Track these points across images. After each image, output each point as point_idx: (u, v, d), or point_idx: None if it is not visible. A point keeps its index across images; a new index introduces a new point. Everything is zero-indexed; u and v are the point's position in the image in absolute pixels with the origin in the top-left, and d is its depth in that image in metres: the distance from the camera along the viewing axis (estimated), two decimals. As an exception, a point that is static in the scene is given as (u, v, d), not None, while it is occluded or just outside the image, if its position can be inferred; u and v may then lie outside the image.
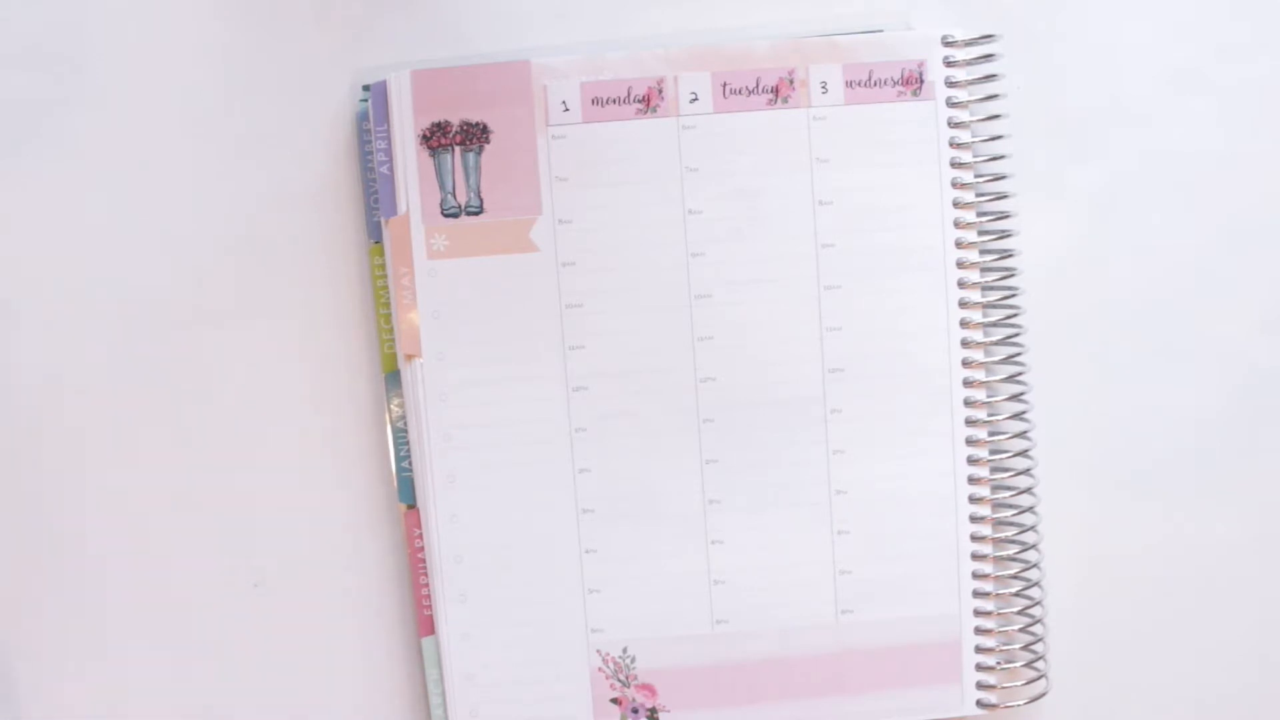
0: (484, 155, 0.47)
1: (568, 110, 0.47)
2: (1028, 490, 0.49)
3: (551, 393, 0.48)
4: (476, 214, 0.48)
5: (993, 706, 0.49)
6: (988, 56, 0.48)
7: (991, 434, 0.48)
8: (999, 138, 0.48)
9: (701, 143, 0.47)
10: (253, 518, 0.49)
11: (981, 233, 0.48)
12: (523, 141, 0.47)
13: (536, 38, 0.49)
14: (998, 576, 0.49)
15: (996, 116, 0.48)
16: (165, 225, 0.48)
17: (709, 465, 0.48)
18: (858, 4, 0.49)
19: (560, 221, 0.48)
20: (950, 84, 0.47)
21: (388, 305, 0.48)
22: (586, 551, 0.48)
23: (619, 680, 0.49)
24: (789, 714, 0.49)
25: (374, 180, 0.48)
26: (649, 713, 0.49)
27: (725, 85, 0.47)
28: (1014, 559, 0.49)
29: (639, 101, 0.47)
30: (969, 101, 0.48)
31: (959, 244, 0.48)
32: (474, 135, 0.47)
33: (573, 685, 0.49)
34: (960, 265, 0.48)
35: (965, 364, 0.48)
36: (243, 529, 0.49)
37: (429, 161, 0.47)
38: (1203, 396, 0.50)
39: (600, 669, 0.49)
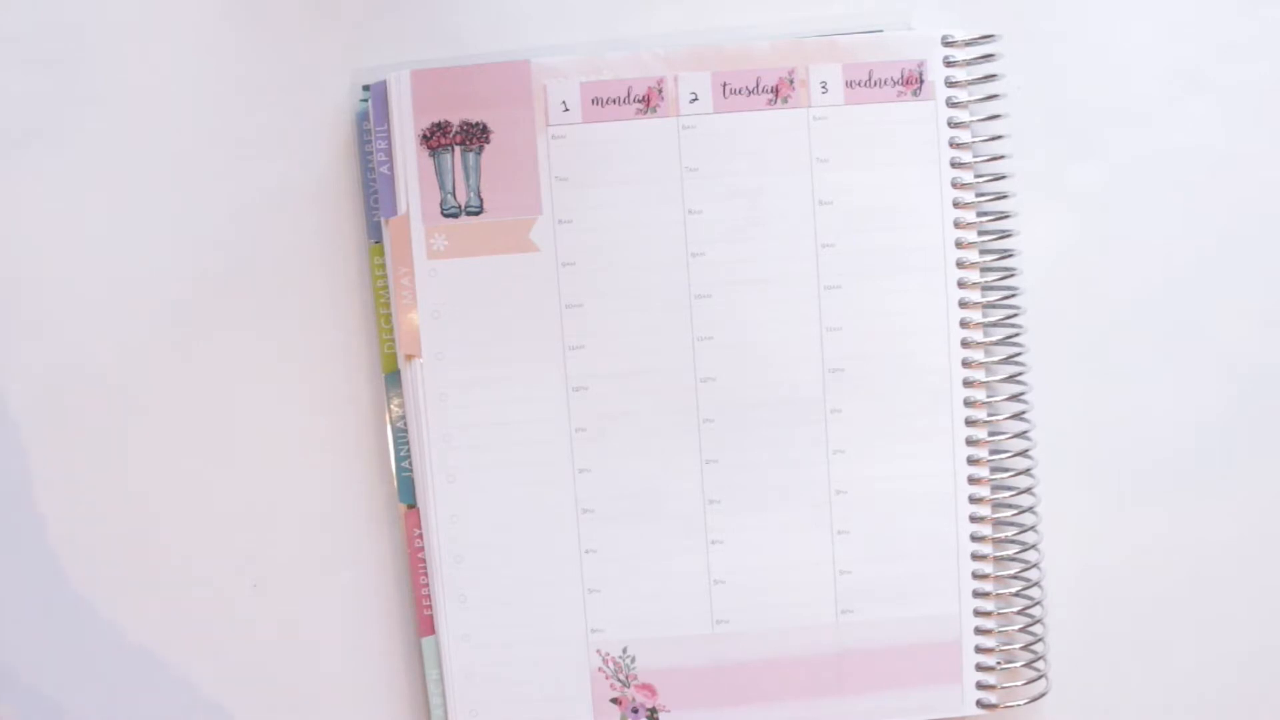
0: (484, 155, 0.47)
1: (568, 110, 0.47)
2: (1028, 490, 0.49)
3: (551, 393, 0.48)
4: (476, 214, 0.48)
5: (993, 706, 0.49)
6: (988, 56, 0.48)
7: (991, 434, 0.48)
8: (999, 138, 0.48)
9: (701, 143, 0.47)
10: (252, 517, 0.49)
11: (981, 233, 0.48)
12: (523, 141, 0.47)
13: (536, 38, 0.49)
14: (998, 576, 0.49)
15: (996, 116, 0.48)
16: (165, 225, 0.48)
17: (709, 465, 0.48)
18: (858, 4, 0.49)
19: (560, 221, 0.48)
20: (950, 84, 0.47)
21: (388, 305, 0.48)
22: (586, 551, 0.48)
23: (619, 680, 0.49)
24: (789, 714, 0.49)
25: (374, 180, 0.48)
26: (649, 713, 0.49)
27: (725, 85, 0.47)
28: (1014, 559, 0.49)
29: (639, 101, 0.47)
30: (969, 101, 0.48)
31: (959, 244, 0.48)
32: (474, 135, 0.47)
33: (573, 685, 0.49)
34: (960, 265, 0.48)
35: (965, 364, 0.48)
36: (242, 529, 0.49)
37: (429, 161, 0.47)
38: (1203, 396, 0.50)
39: (600, 669, 0.49)
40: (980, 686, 0.49)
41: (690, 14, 0.49)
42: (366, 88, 0.48)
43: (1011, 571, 0.49)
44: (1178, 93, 0.49)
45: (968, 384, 0.48)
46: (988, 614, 0.49)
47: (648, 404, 0.48)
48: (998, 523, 0.48)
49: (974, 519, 0.48)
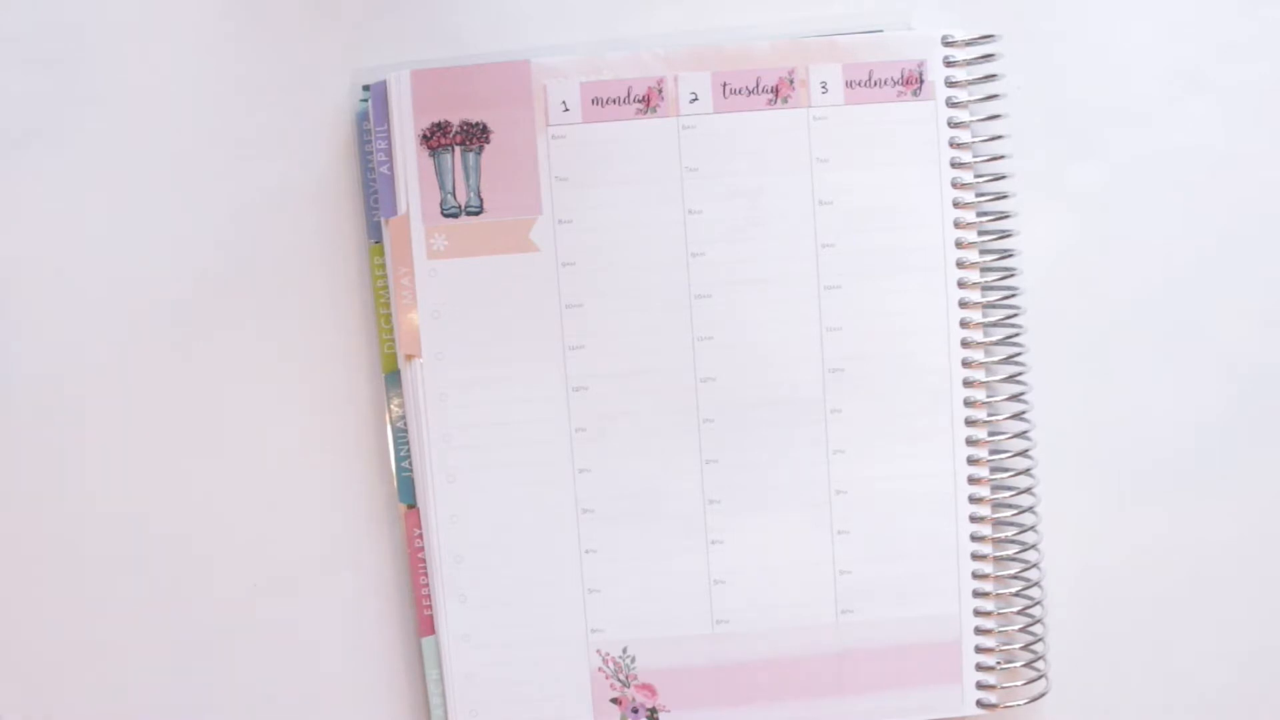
0: (484, 155, 0.47)
1: (568, 110, 0.47)
2: (1028, 490, 0.49)
3: (551, 393, 0.48)
4: (476, 214, 0.48)
5: (993, 706, 0.49)
6: (988, 56, 0.48)
7: (991, 434, 0.48)
8: (999, 138, 0.48)
9: (701, 143, 0.47)
10: (252, 517, 0.49)
11: (981, 233, 0.48)
12: (523, 141, 0.47)
13: (536, 38, 0.49)
14: (998, 576, 0.49)
15: (996, 116, 0.48)
16: (165, 225, 0.48)
17: (709, 465, 0.48)
18: (858, 4, 0.49)
19: (560, 221, 0.48)
20: (950, 84, 0.47)
21: (388, 305, 0.48)
22: (586, 551, 0.48)
23: (619, 680, 0.49)
24: (789, 714, 0.49)
25: (374, 180, 0.48)
26: (649, 713, 0.49)
27: (725, 85, 0.47)
28: (1014, 559, 0.49)
29: (639, 101, 0.47)
30: (969, 101, 0.48)
31: (959, 244, 0.48)
32: (474, 135, 0.47)
33: (573, 685, 0.49)
34: (960, 265, 0.48)
35: (965, 364, 0.48)
36: (242, 529, 0.49)
37: (429, 161, 0.47)
38: (1203, 396, 0.50)
39: (600, 669, 0.49)
40: (980, 686, 0.49)
41: (690, 14, 0.49)
42: (366, 88, 0.48)
43: (1011, 571, 0.49)
44: (1178, 93, 0.49)
45: (968, 384, 0.48)
46: (988, 614, 0.49)
47: (648, 404, 0.48)
48: (998, 523, 0.48)
49: (974, 519, 0.48)
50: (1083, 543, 0.50)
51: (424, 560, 0.48)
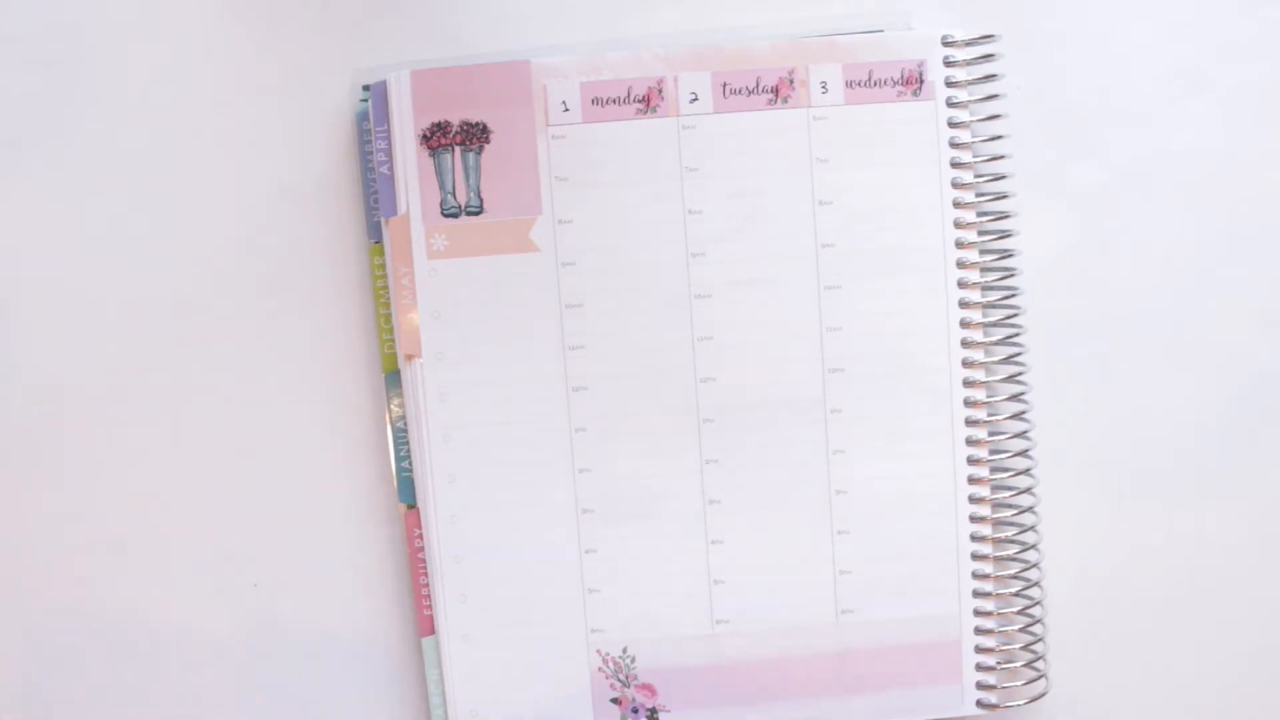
0: (484, 155, 0.47)
1: (568, 110, 0.47)
2: (1028, 490, 0.49)
3: (551, 393, 0.48)
4: (476, 214, 0.48)
5: (993, 706, 0.49)
6: (988, 56, 0.48)
7: (991, 434, 0.48)
8: (999, 138, 0.48)
9: (701, 143, 0.47)
10: (253, 517, 0.49)
11: (981, 233, 0.48)
12: (523, 141, 0.47)
13: (536, 38, 0.49)
14: (998, 576, 0.49)
15: (996, 116, 0.48)
16: (165, 225, 0.48)
17: (709, 465, 0.48)
18: (858, 4, 0.49)
19: (560, 221, 0.48)
20: (950, 84, 0.47)
21: (388, 305, 0.48)
22: (586, 551, 0.48)
23: (619, 680, 0.49)
24: (789, 714, 0.49)
25: (374, 180, 0.48)
26: (649, 713, 0.49)
27: (725, 85, 0.47)
28: (1014, 559, 0.49)
29: (639, 101, 0.47)
30: (969, 101, 0.48)
31: (959, 244, 0.48)
32: (474, 135, 0.47)
33: (573, 685, 0.49)
34: (960, 265, 0.48)
35: (965, 364, 0.48)
36: (243, 528, 0.49)
37: (429, 161, 0.47)
38: (1203, 396, 0.50)
39: (600, 669, 0.49)
40: (980, 686, 0.49)
41: (690, 14, 0.49)
42: (366, 88, 0.48)
43: (1011, 571, 0.49)
44: (1178, 93, 0.49)
45: (968, 384, 0.48)
46: (988, 614, 0.49)
47: (648, 404, 0.48)
48: (998, 523, 0.48)
49: (974, 519, 0.48)
50: (1083, 543, 0.50)
51: (424, 560, 0.48)
